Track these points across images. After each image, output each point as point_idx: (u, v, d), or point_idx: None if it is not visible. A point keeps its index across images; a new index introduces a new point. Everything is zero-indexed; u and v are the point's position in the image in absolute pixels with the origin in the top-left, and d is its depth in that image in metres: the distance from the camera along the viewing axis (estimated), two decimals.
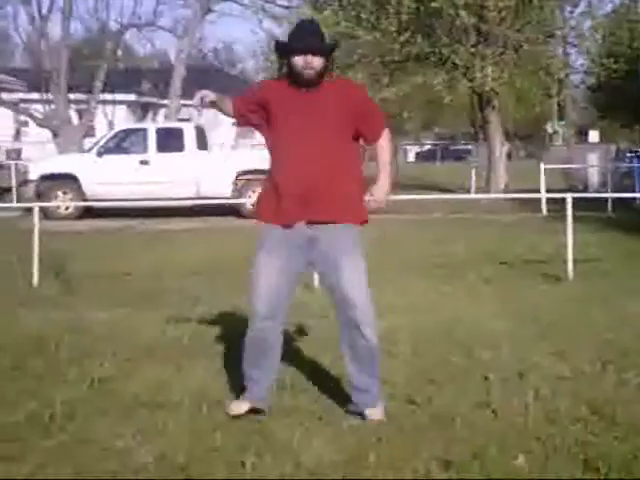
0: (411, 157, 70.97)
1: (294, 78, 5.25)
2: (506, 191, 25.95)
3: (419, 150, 72.67)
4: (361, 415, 5.45)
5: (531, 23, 26.96)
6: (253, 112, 5.42)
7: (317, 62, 5.16)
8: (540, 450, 4.92)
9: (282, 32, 30.58)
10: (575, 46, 28.45)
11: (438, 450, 4.93)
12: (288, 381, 6.18)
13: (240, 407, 5.49)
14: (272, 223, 5.32)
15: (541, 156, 48.77)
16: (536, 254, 13.29)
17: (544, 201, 21.02)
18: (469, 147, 64.10)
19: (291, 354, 6.60)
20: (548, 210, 20.46)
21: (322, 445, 5.03)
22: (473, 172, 27.62)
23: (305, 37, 5.21)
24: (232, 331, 7.48)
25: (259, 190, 5.76)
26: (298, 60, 5.16)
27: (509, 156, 31.28)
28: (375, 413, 5.43)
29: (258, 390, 5.50)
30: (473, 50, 26.33)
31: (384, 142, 5.47)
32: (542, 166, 24.07)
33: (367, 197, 5.39)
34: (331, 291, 5.38)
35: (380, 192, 5.41)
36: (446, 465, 4.72)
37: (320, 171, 5.21)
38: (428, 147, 72.15)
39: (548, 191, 21.63)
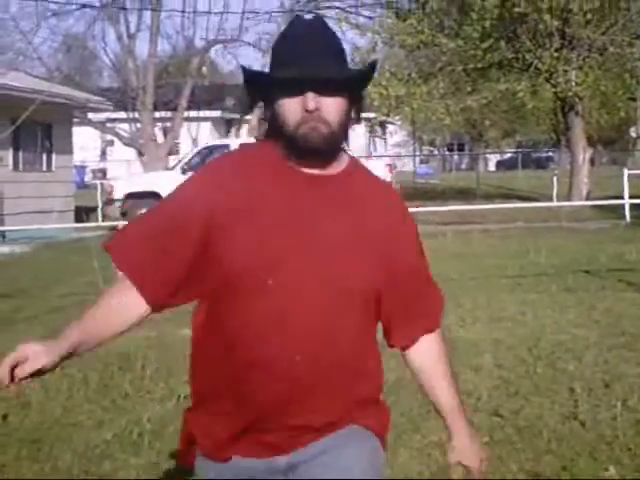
0: (492, 166, 70.40)
1: (284, 146, 2.35)
2: (589, 198, 25.60)
3: (500, 158, 72.02)
4: None
5: (617, 25, 26.57)
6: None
7: (332, 107, 2.26)
8: (630, 461, 4.87)
9: (365, 43, 30.38)
10: None
11: (527, 462, 4.91)
12: None
13: None
14: (222, 458, 2.40)
15: (625, 161, 48.11)
16: (620, 262, 13.10)
17: (627, 207, 20.70)
18: (551, 154, 63.34)
19: None
20: (632, 217, 20.14)
21: (408, 458, 5.04)
22: (555, 179, 27.29)
23: (304, 54, 2.26)
24: None
25: None
26: (290, 105, 2.26)
27: (592, 162, 30.80)
28: None
29: None
30: (557, 54, 25.98)
31: (439, 337, 2.62)
32: (626, 172, 23.70)
33: (454, 466, 2.68)
34: None
35: (473, 455, 2.63)
36: (535, 477, 4.70)
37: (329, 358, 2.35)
38: (509, 155, 71.45)
39: (632, 197, 21.30)
